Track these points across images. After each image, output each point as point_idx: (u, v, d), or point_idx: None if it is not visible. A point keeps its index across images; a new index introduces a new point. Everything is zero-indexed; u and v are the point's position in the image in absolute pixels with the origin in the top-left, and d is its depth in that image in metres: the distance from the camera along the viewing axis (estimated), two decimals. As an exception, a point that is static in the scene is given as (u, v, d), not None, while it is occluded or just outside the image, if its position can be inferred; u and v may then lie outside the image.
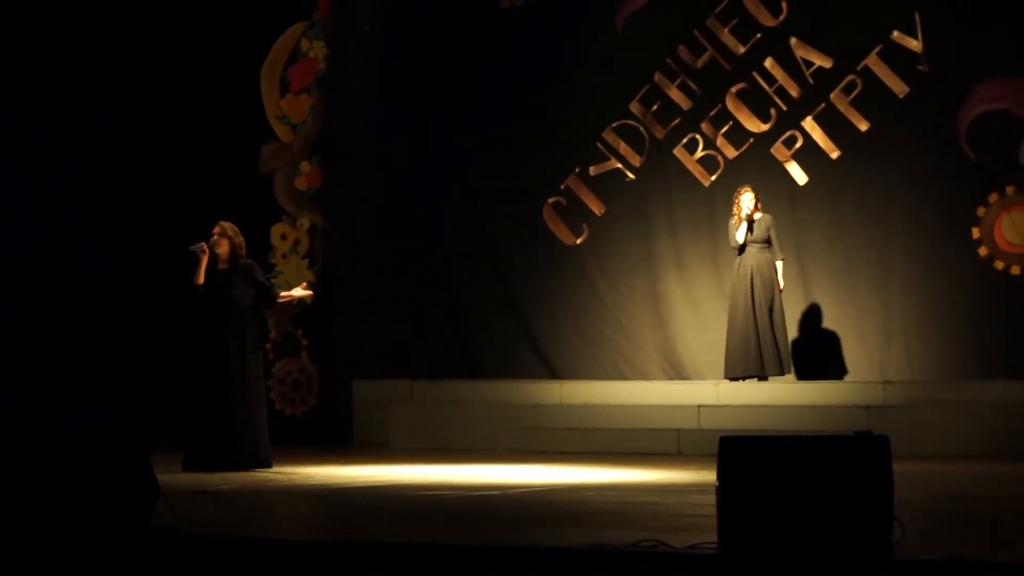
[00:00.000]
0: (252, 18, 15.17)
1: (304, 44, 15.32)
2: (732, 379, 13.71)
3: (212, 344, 11.28)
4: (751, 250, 13.69)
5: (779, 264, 13.70)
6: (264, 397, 11.45)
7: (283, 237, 15.22)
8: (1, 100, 14.62)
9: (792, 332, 14.07)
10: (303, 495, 9.43)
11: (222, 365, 11.22)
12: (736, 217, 13.72)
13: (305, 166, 15.25)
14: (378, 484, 10.04)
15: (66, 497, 6.85)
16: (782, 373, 13.64)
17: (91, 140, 14.81)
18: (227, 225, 11.52)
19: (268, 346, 14.82)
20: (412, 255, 15.18)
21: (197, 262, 11.35)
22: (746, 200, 13.67)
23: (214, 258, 11.39)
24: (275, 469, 11.08)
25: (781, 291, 13.65)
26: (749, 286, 13.64)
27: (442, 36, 15.20)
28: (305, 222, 15.23)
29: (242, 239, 11.52)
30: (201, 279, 11.34)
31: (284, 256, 15.20)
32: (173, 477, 10.06)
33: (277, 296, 11.69)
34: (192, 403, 11.32)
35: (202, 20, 15.09)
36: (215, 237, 11.44)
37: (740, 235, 13.68)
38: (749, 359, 13.59)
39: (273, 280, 15.04)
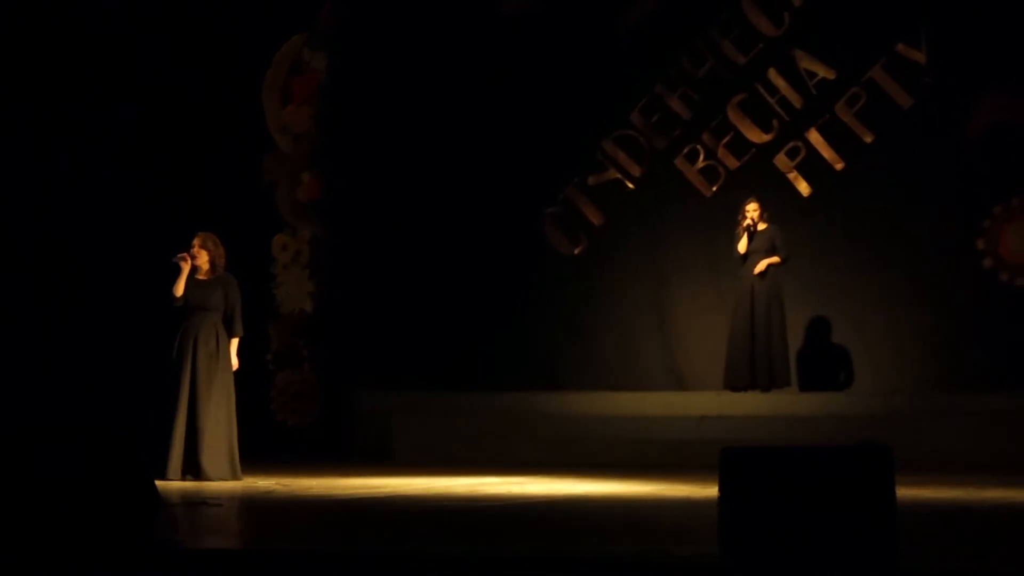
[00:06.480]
0: (254, 29, 15.16)
1: (306, 55, 15.32)
2: (732, 389, 13.71)
3: (184, 355, 11.23)
4: (753, 260, 13.70)
5: (774, 259, 13.65)
6: (234, 409, 11.33)
7: (284, 248, 15.20)
8: (6, 110, 14.63)
9: (794, 343, 14.05)
10: (304, 506, 9.41)
11: (193, 377, 11.17)
12: (740, 227, 13.76)
13: (307, 177, 15.24)
14: (380, 495, 10.02)
15: (67, 509, 6.83)
16: (781, 385, 13.63)
17: (92, 151, 14.80)
18: (207, 235, 11.44)
19: (269, 357, 14.80)
20: (413, 265, 15.15)
21: (178, 272, 11.32)
22: (750, 210, 13.70)
23: (194, 269, 11.35)
24: (276, 480, 11.04)
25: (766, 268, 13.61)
26: (750, 297, 13.66)
27: (444, 45, 15.17)
28: (307, 233, 15.21)
29: (223, 250, 11.43)
30: (180, 290, 11.29)
31: (285, 267, 15.19)
32: (168, 487, 10.05)
33: (237, 333, 11.41)
34: (164, 415, 11.23)
35: (204, 31, 15.09)
36: (195, 248, 11.38)
37: (741, 245, 13.72)
38: (748, 370, 13.60)
39: (274, 291, 15.09)
